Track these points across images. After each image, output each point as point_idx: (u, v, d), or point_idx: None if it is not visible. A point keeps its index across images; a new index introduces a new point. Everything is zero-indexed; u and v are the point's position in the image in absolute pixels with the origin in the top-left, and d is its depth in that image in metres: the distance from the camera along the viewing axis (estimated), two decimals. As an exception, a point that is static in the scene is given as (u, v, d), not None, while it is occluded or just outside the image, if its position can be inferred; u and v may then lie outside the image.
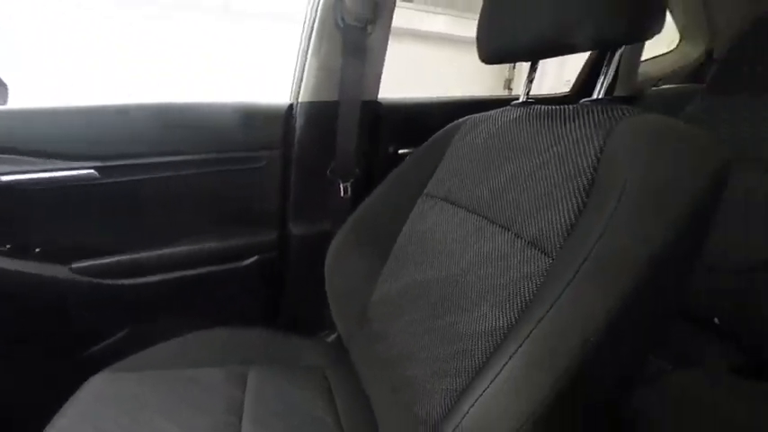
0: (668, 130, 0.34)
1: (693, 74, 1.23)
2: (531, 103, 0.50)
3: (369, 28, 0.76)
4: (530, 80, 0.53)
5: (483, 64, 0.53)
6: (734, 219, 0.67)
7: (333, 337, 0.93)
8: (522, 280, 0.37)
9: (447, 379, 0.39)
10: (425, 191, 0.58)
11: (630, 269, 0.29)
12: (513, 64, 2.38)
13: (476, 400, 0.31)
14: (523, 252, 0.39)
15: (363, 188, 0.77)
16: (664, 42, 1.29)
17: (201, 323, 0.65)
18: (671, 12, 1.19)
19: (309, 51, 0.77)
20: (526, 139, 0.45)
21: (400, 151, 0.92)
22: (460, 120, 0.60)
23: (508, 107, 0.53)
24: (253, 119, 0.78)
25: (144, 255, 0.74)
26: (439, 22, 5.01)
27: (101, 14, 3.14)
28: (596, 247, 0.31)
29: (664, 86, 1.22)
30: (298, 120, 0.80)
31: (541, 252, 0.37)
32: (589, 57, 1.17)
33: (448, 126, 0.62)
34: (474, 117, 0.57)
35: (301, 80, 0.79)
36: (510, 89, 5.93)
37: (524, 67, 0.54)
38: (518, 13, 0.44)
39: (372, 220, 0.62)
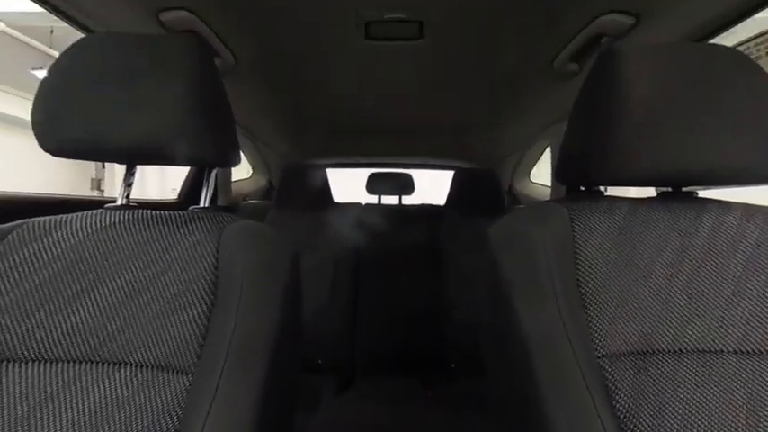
0: (261, 231, 0.45)
1: (266, 194, 1.76)
2: (134, 207, 0.45)
3: None
4: (128, 184, 0.48)
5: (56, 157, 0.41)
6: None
7: None
8: (164, 414, 0.31)
9: None
10: None
11: (266, 340, 0.34)
12: (102, 163, 2.04)
13: None
14: (155, 382, 0.33)
15: None
16: (245, 170, 1.75)
17: None
18: (244, 153, 1.66)
19: None
20: (133, 248, 0.39)
21: None
22: (6, 226, 0.40)
23: (100, 210, 0.43)
24: None
25: None
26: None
27: None
28: (233, 340, 0.33)
29: (251, 201, 1.63)
30: None
31: (177, 372, 0.33)
32: (191, 169, 1.29)
33: None
34: (36, 222, 0.41)
35: None
36: (101, 190, 4.97)
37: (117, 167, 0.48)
38: (100, 107, 0.39)
39: None
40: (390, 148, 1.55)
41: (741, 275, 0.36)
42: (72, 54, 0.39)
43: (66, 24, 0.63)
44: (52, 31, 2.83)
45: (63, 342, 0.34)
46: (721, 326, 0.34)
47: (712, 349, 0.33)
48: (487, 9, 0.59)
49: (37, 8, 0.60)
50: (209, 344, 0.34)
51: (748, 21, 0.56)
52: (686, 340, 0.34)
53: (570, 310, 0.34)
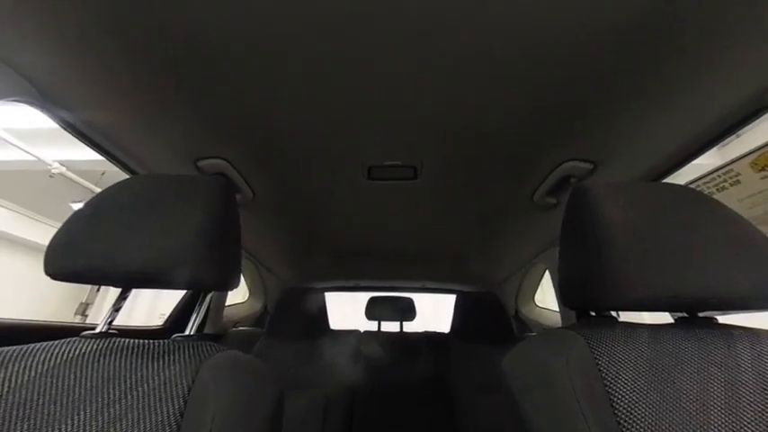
0: (245, 364, 0.40)
1: (258, 320, 1.66)
2: (114, 335, 0.42)
3: None
4: (116, 308, 0.46)
5: (49, 279, 0.40)
6: None
7: None
8: None
9: None
10: None
11: None
12: (97, 287, 2.01)
13: None
14: None
15: None
16: (239, 294, 1.71)
17: None
18: (244, 276, 1.66)
19: None
20: (94, 385, 0.34)
21: None
22: None
23: (75, 338, 0.40)
24: None
25: None
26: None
27: None
28: None
29: (241, 328, 1.52)
30: None
31: None
32: (185, 294, 1.26)
33: None
34: None
35: None
36: (85, 316, 4.71)
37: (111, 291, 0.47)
38: (117, 233, 0.41)
39: None
40: (390, 272, 1.57)
41: None
42: (110, 189, 0.45)
43: (117, 168, 0.75)
44: (103, 173, 3.32)
45: None
46: None
47: None
48: (471, 157, 0.72)
49: (94, 155, 0.72)
50: None
51: (689, 167, 0.67)
52: None
53: None
